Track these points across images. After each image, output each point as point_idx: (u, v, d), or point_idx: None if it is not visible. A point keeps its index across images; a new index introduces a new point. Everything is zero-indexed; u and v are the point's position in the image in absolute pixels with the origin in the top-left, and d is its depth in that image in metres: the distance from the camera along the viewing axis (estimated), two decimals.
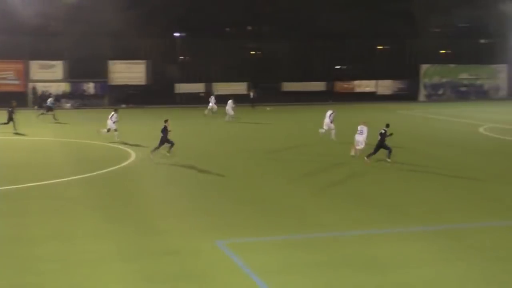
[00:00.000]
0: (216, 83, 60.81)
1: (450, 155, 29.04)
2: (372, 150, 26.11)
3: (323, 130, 33.57)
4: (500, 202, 19.45)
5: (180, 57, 63.65)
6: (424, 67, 65.45)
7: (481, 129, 38.30)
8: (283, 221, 17.07)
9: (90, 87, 59.24)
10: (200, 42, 61.39)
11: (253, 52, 70.13)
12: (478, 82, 67.18)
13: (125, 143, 31.86)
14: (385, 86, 65.00)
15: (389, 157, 25.98)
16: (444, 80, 65.96)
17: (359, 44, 65.15)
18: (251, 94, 56.84)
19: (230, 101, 45.36)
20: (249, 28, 74.75)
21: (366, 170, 24.83)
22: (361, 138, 27.48)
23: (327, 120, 33.46)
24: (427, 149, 30.92)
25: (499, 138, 34.84)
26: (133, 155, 28.29)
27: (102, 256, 13.95)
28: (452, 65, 66.73)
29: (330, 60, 66.55)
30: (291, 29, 64.47)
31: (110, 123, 33.12)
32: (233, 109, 45.05)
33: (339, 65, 69.03)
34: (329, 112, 33.64)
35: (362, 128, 27.67)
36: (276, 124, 43.18)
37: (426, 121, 45.26)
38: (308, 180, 22.89)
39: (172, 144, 27.42)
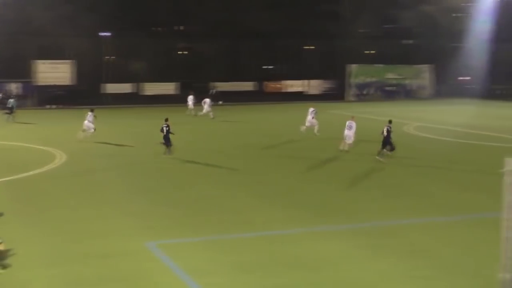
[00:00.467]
0: (145, 83, 60.05)
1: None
2: (379, 148, 26.90)
3: (305, 127, 34.79)
4: (426, 199, 19.80)
5: (107, 57, 62.48)
6: (351, 67, 66.42)
7: (408, 128, 39.07)
8: (214, 221, 16.90)
9: (14, 87, 57.34)
10: (128, 41, 60.45)
11: (182, 52, 69.61)
12: (404, 82, 68.68)
13: (48, 145, 30.95)
14: (314, 86, 65.62)
15: (390, 151, 26.91)
16: (371, 80, 67.13)
17: (288, 44, 65.56)
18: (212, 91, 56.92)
19: (207, 100, 45.96)
20: (178, 28, 74.14)
21: (292, 170, 24.95)
22: (350, 133, 28.76)
23: (309, 117, 34.90)
24: (355, 148, 31.29)
25: (426, 137, 35.62)
26: (58, 157, 27.44)
27: (22, 262, 13.36)
28: (379, 65, 67.99)
29: (259, 60, 66.72)
30: (219, 28, 64.27)
31: (87, 123, 32.44)
32: (210, 106, 45.61)
33: (268, 65, 69.32)
34: (311, 109, 35.14)
35: (351, 123, 29.05)
36: (196, 124, 42.91)
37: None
38: (236, 181, 22.81)
39: (170, 145, 27.44)
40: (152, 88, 59.88)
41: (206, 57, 63.90)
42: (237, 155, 28.71)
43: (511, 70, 64.17)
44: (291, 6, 68.38)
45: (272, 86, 63.38)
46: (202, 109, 45.71)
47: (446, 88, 69.05)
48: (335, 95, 65.26)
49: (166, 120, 27.66)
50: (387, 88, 67.26)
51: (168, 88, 60.62)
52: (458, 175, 23.86)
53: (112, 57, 62.76)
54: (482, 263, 13.35)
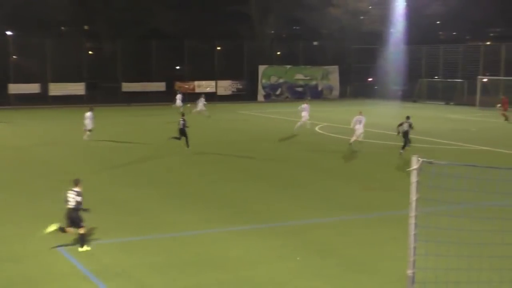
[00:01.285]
0: (52, 84, 58.39)
1: (289, 153, 29.90)
2: (402, 143, 28.31)
3: (306, 124, 37.29)
4: (332, 199, 20.21)
5: (13, 57, 60.31)
6: (261, 67, 67.00)
7: (314, 127, 39.80)
8: (129, 222, 16.76)
9: None
10: (34, 41, 58.55)
11: (91, 52, 68.18)
12: (313, 82, 69.89)
13: None
14: (224, 87, 65.77)
15: (403, 149, 28.15)
16: (281, 80, 67.93)
17: (198, 45, 65.46)
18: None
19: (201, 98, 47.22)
20: (86, 27, 72.63)
21: (208, 171, 24.96)
22: (360, 127, 30.46)
23: (304, 113, 37.20)
24: (267, 149, 31.64)
25: (334, 137, 36.38)
26: None
27: None
28: (288, 66, 68.90)
29: (169, 60, 66.28)
30: (128, 28, 63.41)
31: (88, 122, 32.53)
32: (205, 105, 46.64)
33: (178, 66, 68.94)
34: (305, 106, 37.55)
35: (361, 118, 30.74)
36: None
37: (265, 120, 46.34)
38: (147, 182, 22.61)
39: (182, 138, 29.64)
40: (59, 89, 58.33)
41: (114, 57, 62.80)
42: (149, 155, 28.44)
43: (413, 71, 66.44)
44: (198, 6, 68.43)
45: (183, 86, 63.04)
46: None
47: (353, 89, 70.86)
48: (246, 95, 65.68)
49: (183, 115, 30.69)
50: (296, 89, 68.23)
51: (76, 88, 59.25)
52: (365, 174, 24.51)
53: (17, 56, 60.67)
54: (389, 260, 13.79)
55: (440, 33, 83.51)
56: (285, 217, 17.71)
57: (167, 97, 58.14)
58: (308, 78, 69.56)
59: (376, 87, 73.98)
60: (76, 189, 14.50)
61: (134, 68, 62.94)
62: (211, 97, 59.83)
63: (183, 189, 21.36)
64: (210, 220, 17.16)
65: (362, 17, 72.94)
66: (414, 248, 7.73)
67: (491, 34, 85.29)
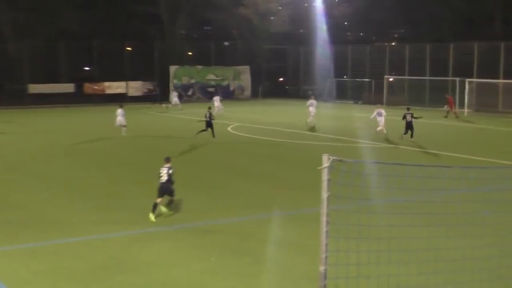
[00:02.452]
0: None
1: (203, 154, 29.86)
2: (404, 131, 33.05)
3: (312, 118, 40.49)
4: (244, 198, 20.34)
5: None
6: (173, 68, 66.54)
7: (226, 127, 39.93)
8: (36, 227, 16.29)
9: None
10: None
11: None
12: (224, 83, 70.02)
13: None
14: (135, 87, 64.86)
15: (404, 135, 33.22)
16: (192, 81, 67.66)
17: (107, 45, 64.35)
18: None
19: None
20: None
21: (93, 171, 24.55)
22: (382, 118, 35.47)
23: (311, 108, 40.68)
24: (176, 148, 31.46)
25: (246, 137, 36.59)
26: None
27: None
28: (199, 67, 68.73)
29: (78, 61, 64.81)
30: (34, 29, 61.45)
31: (120, 119, 34.93)
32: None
33: (87, 66, 67.47)
34: (312, 101, 41.18)
35: (381, 111, 35.76)
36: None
37: (177, 121, 46.05)
38: (50, 186, 22.05)
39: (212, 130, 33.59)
40: None
41: (20, 58, 60.75)
42: (49, 159, 27.72)
43: (323, 71, 67.71)
44: (105, 7, 67.27)
45: (91, 87, 61.77)
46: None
47: (264, 89, 71.46)
48: (157, 96, 65.06)
49: (209, 108, 35.15)
50: (208, 89, 68.17)
51: None
52: (278, 174, 24.74)
53: None
54: (302, 257, 14.00)
55: (348, 33, 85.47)
56: (198, 217, 17.64)
57: (76, 98, 56.86)
58: (219, 78, 69.62)
59: (287, 87, 74.99)
60: (167, 165, 17.45)
61: (41, 69, 61.13)
62: (122, 98, 59.04)
63: (91, 192, 20.89)
64: (121, 223, 16.91)
65: (272, 18, 73.70)
66: (326, 244, 7.86)
67: (396, 35, 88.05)
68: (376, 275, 10.42)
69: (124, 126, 35.08)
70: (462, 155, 28.96)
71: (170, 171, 17.31)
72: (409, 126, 33.14)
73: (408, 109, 34.42)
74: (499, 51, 54.54)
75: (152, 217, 16.83)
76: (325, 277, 7.94)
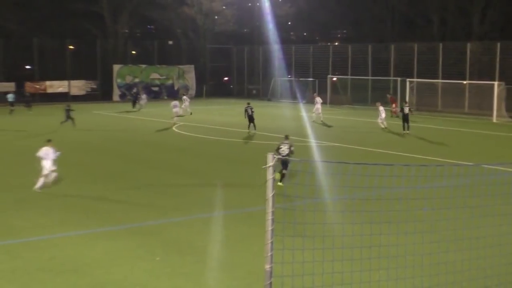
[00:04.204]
0: None
1: (147, 154, 29.64)
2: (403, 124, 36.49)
3: (320, 116, 43.70)
4: (187, 197, 20.27)
5: None
6: (116, 67, 65.74)
7: (173, 128, 39.74)
8: None
9: None
10: None
11: None
12: (169, 82, 69.58)
13: None
14: (77, 86, 63.82)
15: (408, 130, 36.43)
16: (136, 80, 66.98)
17: (47, 43, 63.15)
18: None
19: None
20: None
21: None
22: (384, 115, 39.32)
23: (317, 105, 43.91)
24: (121, 148, 31.17)
25: (191, 136, 36.48)
26: None
27: None
28: (143, 66, 68.11)
29: (18, 59, 63.38)
30: None
31: (177, 110, 39.77)
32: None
33: (28, 65, 66.03)
34: (318, 99, 44.66)
35: (382, 108, 39.29)
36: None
37: (121, 120, 45.59)
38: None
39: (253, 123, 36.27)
40: None
41: None
42: None
43: (267, 71, 68.09)
44: (46, 5, 66.02)
45: (34, 87, 60.45)
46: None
47: (209, 88, 71.35)
48: (100, 95, 64.20)
49: (248, 103, 37.24)
50: (152, 89, 67.63)
51: None
52: (223, 173, 24.76)
53: None
54: (247, 256, 14.07)
55: (292, 33, 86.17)
56: (142, 217, 17.53)
57: (17, 97, 55.56)
58: (164, 77, 69.17)
59: (231, 86, 75.05)
60: (287, 142, 21.07)
61: None
62: (64, 98, 58.07)
63: (30, 193, 20.46)
64: (63, 223, 16.66)
65: (216, 17, 73.67)
66: (271, 243, 7.93)
67: (339, 35, 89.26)
68: (321, 273, 10.57)
69: (181, 115, 38.82)
70: (403, 153, 29.57)
71: (292, 148, 20.81)
72: (405, 119, 36.35)
73: (406, 102, 39.29)
74: (438, 51, 55.85)
75: (280, 183, 19.19)
76: (271, 275, 8.01)
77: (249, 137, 35.55)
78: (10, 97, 50.27)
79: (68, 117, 38.66)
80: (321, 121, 43.34)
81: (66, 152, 28.98)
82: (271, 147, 20.77)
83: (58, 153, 20.98)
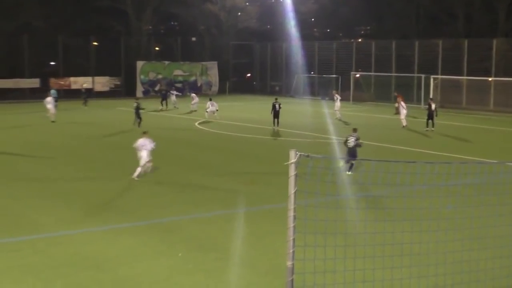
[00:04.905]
0: None
1: (168, 150, 29.75)
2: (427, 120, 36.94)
3: (337, 113, 43.54)
4: (208, 193, 20.27)
5: None
6: (140, 63, 66.04)
7: (193, 123, 39.83)
8: None
9: None
10: None
11: None
12: (192, 78, 69.75)
13: None
14: (102, 83, 64.30)
15: (433, 127, 36.71)
16: (159, 76, 67.24)
17: (72, 40, 63.64)
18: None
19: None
20: None
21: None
22: (405, 111, 39.11)
23: (337, 103, 43.90)
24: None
25: (213, 132, 36.52)
26: None
27: None
28: (166, 62, 68.33)
29: (43, 55, 63.94)
30: None
31: (210, 109, 41.00)
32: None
33: (53, 61, 66.59)
34: (338, 96, 44.46)
35: (403, 104, 39.52)
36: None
37: (147, 117, 45.77)
38: (28, 182, 21.77)
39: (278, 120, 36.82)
40: None
41: None
42: (16, 156, 27.37)
43: (290, 67, 67.94)
44: (70, 1, 66.55)
45: (57, 83, 60.97)
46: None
47: (231, 84, 71.43)
48: (124, 91, 64.55)
49: (276, 99, 37.28)
50: (175, 85, 67.88)
51: None
52: (244, 169, 24.76)
53: None
54: (268, 253, 14.06)
55: (315, 30, 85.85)
56: (164, 213, 17.58)
57: (42, 94, 56.07)
58: (187, 74, 69.35)
59: (254, 83, 75.03)
60: (355, 134, 22.70)
61: (5, 64, 60.12)
62: (88, 94, 58.46)
63: (50, 188, 20.62)
64: (85, 220, 16.75)
65: (239, 14, 73.67)
66: (293, 240, 7.91)
67: (362, 32, 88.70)
68: (343, 270, 10.53)
69: (216, 110, 40.74)
70: (426, 150, 29.34)
71: (359, 141, 22.41)
72: (431, 115, 36.72)
73: (431, 99, 39.90)
74: (463, 48, 55.32)
75: (349, 173, 21.23)
76: (292, 272, 7.99)
77: (274, 134, 35.51)
78: (53, 93, 50.10)
79: (138, 116, 37.34)
80: (337, 118, 42.87)
81: (97, 148, 29.16)
82: (294, 144, 20.75)
83: (153, 143, 21.37)
